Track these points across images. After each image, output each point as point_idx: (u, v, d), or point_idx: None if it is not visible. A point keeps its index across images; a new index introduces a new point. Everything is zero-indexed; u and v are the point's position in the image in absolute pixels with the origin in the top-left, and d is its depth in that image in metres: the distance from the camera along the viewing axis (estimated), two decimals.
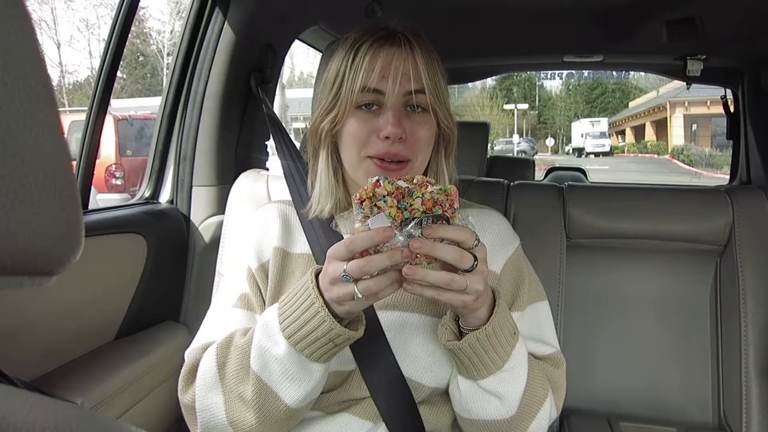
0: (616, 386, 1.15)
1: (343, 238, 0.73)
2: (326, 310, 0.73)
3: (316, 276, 0.76)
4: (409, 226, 0.69)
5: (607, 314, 1.10)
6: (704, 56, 2.35)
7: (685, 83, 2.72)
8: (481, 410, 0.83)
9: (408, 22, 0.89)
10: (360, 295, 0.70)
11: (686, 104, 29.03)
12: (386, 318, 0.86)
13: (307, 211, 0.94)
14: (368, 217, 0.69)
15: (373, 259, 0.69)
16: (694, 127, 29.52)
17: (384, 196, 0.68)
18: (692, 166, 23.78)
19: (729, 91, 2.71)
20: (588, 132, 33.74)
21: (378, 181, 0.69)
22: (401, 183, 0.69)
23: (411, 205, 0.68)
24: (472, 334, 0.77)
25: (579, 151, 33.84)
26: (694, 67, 2.36)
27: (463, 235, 0.70)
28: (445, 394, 0.89)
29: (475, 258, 0.71)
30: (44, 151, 0.23)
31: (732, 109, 2.68)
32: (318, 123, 0.89)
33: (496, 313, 0.77)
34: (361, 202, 0.69)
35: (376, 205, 0.69)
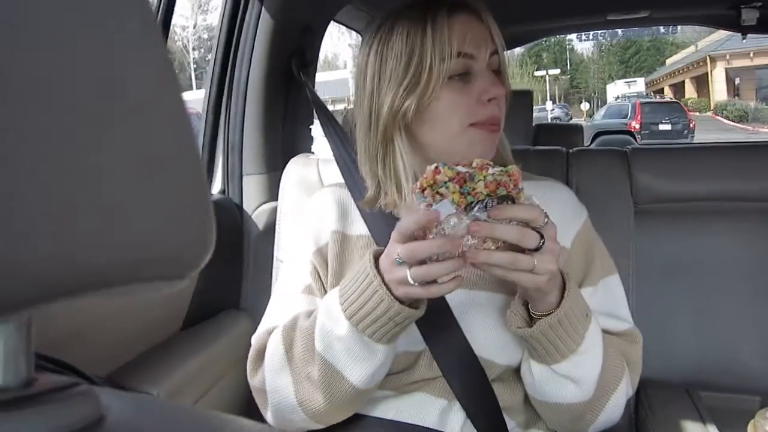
0: (694, 355, 1.11)
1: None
2: (384, 288, 0.73)
3: (376, 258, 0.75)
4: (474, 209, 0.67)
5: (680, 281, 1.06)
6: (760, 2, 2.22)
7: (728, 33, 2.58)
8: (555, 394, 0.81)
9: None
10: (411, 281, 0.69)
11: (728, 57, 27.79)
12: (454, 297, 0.85)
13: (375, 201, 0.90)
14: (431, 205, 0.67)
15: (422, 244, 0.68)
16: (737, 81, 28.30)
17: (445, 183, 0.67)
18: (737, 122, 22.78)
19: None
20: (624, 93, 32.77)
21: (437, 168, 0.67)
22: (461, 168, 0.67)
23: (474, 189, 0.66)
24: (544, 320, 0.75)
25: None
26: (750, 16, 2.23)
27: (530, 213, 0.68)
28: (518, 371, 0.88)
29: (542, 236, 0.68)
30: (178, 149, 0.22)
31: None
32: (399, 105, 0.83)
33: (568, 296, 0.75)
34: (423, 191, 0.67)
35: (438, 192, 0.67)
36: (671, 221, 1.20)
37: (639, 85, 34.63)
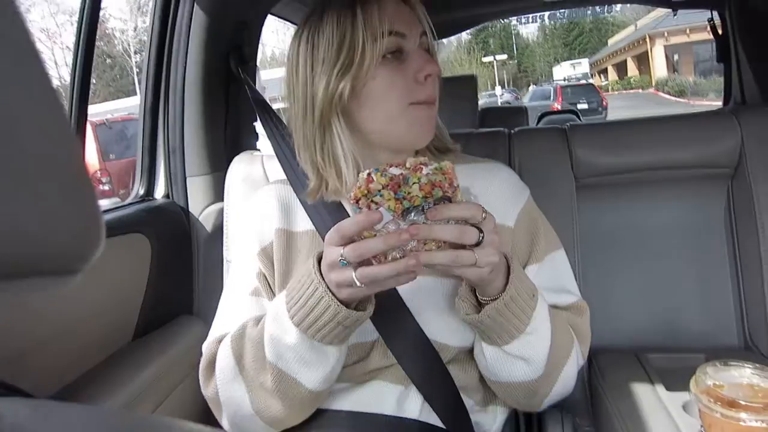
0: (641, 320, 1.15)
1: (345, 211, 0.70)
2: (330, 294, 0.72)
3: (319, 260, 0.74)
4: (412, 214, 0.66)
5: (623, 250, 1.09)
6: None
7: (665, 11, 2.68)
8: (508, 374, 0.83)
9: None
10: (358, 283, 0.68)
11: (666, 35, 28.76)
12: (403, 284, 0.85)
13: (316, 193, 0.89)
14: None
15: (368, 242, 0.67)
16: (676, 57, 29.32)
17: (380, 191, 0.65)
18: (679, 97, 23.66)
19: (716, 15, 2.66)
20: (570, 75, 33.51)
21: (370, 176, 0.66)
22: (394, 170, 0.66)
23: (409, 193, 0.65)
24: (491, 306, 0.76)
25: None
26: None
27: (468, 211, 0.68)
28: (471, 352, 0.89)
29: (481, 231, 0.68)
30: (52, 143, 0.21)
31: (720, 32, 2.64)
32: (334, 88, 0.82)
33: (512, 280, 0.76)
34: (357, 201, 0.66)
35: (372, 201, 0.66)
36: (612, 193, 1.24)
37: (584, 66, 35.45)
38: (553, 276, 0.93)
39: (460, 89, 2.18)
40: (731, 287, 1.18)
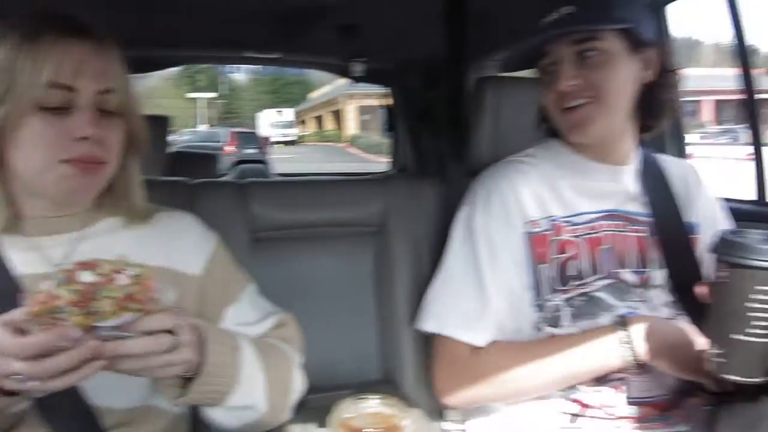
0: (307, 365, 1.25)
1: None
2: None
3: None
4: (101, 331, 0.61)
5: (293, 301, 1.19)
6: (365, 58, 2.72)
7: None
8: (238, 422, 0.85)
9: (82, 6, 0.82)
10: (20, 378, 0.62)
11: (358, 97, 32.44)
12: None
13: None
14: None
15: (50, 362, 0.61)
16: (366, 117, 33.26)
17: (62, 309, 0.59)
18: (367, 153, 26.73)
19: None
20: (275, 122, 35.00)
21: (55, 288, 0.59)
22: (86, 277, 0.61)
23: (100, 309, 0.60)
24: (197, 382, 0.75)
25: (266, 141, 34.85)
26: (358, 68, 2.73)
27: (161, 323, 0.67)
28: (144, 411, 0.86)
29: (175, 333, 0.68)
30: None
31: (390, 104, 3.16)
32: None
33: (210, 349, 0.76)
34: (36, 317, 0.59)
35: (56, 317, 0.59)
36: (286, 247, 1.35)
37: (288, 114, 37.30)
38: (252, 309, 0.97)
39: (149, 130, 2.08)
40: (375, 330, 1.37)
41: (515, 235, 1.04)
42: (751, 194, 1.58)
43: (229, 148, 14.31)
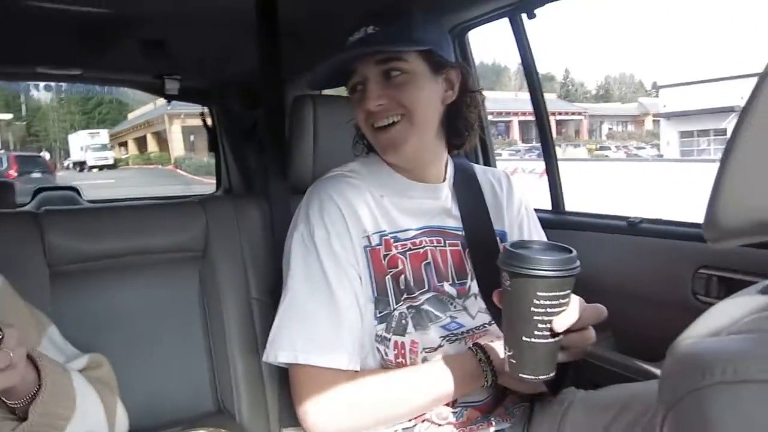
0: (137, 399, 1.13)
1: None
2: None
3: None
4: None
5: (109, 336, 1.10)
6: (179, 76, 2.55)
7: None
8: None
9: None
10: None
11: (182, 116, 30.90)
12: None
13: None
14: None
15: None
16: (192, 138, 31.79)
17: None
18: (195, 175, 25.50)
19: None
20: (88, 144, 31.96)
21: None
22: None
23: None
24: (35, 402, 0.75)
25: (81, 165, 31.73)
26: (172, 86, 2.54)
27: None
28: None
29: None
30: None
31: (211, 124, 3.01)
32: None
33: (44, 365, 0.77)
34: None
35: None
36: (93, 280, 1.22)
37: (103, 136, 34.24)
38: (57, 354, 0.92)
39: None
40: (206, 359, 1.29)
41: (357, 247, 1.04)
42: (548, 204, 1.77)
43: (11, 173, 13.11)
